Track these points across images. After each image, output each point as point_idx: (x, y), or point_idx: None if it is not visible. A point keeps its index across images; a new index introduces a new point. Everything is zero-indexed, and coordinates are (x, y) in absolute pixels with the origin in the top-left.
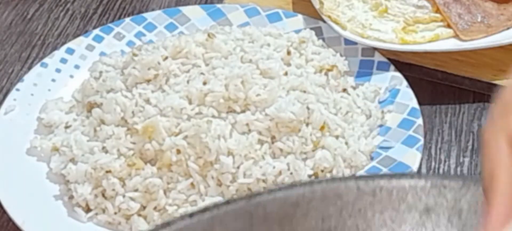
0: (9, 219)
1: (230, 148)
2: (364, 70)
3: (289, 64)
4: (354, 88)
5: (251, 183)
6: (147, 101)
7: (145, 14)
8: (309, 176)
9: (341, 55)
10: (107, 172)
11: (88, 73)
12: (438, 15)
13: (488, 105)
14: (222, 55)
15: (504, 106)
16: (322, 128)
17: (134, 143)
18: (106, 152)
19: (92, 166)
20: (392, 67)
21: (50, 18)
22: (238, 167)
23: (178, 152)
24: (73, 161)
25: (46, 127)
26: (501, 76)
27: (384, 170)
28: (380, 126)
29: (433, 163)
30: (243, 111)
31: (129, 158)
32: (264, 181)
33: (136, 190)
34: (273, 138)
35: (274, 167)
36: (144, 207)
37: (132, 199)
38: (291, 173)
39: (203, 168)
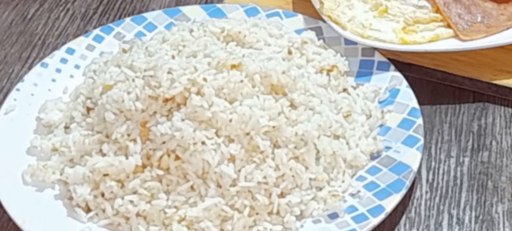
0: (9, 219)
1: (231, 153)
2: (364, 70)
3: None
4: (354, 88)
5: (252, 187)
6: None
7: (145, 14)
8: (311, 179)
9: (341, 55)
10: (104, 175)
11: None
12: (438, 15)
13: (488, 105)
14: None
15: None
16: None
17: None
18: (104, 155)
19: (90, 169)
20: (392, 67)
21: (50, 18)
22: (239, 170)
23: (177, 158)
24: (72, 162)
25: (45, 127)
26: (501, 76)
27: (384, 170)
28: (380, 125)
29: (433, 163)
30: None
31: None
32: (265, 184)
33: (135, 192)
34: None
35: (275, 170)
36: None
37: (131, 202)
38: (293, 176)
39: (203, 172)
